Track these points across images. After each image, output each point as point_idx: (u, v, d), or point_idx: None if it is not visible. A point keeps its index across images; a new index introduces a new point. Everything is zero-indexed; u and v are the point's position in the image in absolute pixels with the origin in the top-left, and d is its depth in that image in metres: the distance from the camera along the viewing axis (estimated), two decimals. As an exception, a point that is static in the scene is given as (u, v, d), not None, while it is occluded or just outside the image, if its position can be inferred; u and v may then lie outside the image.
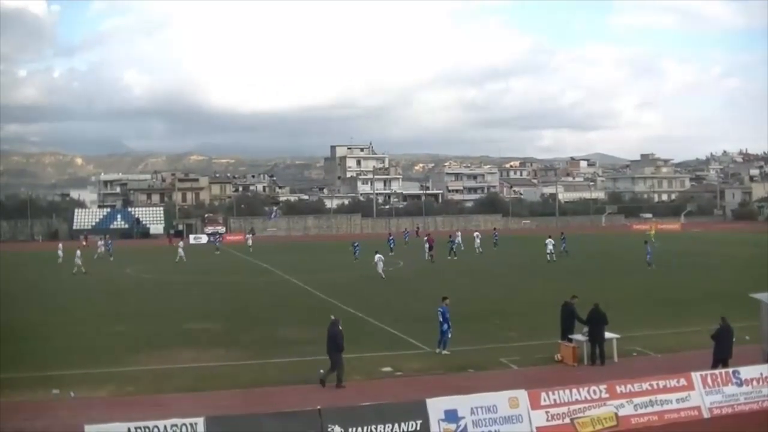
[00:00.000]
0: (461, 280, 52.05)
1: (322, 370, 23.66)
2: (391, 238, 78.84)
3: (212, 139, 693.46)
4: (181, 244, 77.26)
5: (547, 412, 18.65)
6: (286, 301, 43.87)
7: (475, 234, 78.61)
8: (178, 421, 16.41)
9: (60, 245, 72.89)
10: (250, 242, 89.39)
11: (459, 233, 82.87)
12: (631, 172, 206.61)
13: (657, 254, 58.08)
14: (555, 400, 18.85)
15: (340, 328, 24.01)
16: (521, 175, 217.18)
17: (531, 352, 27.32)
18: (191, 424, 16.37)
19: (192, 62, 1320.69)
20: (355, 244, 67.31)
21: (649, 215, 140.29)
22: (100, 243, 78.18)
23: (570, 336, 26.47)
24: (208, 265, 68.97)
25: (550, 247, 63.85)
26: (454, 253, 68.48)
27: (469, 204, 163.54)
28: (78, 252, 63.44)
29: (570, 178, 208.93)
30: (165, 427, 16.26)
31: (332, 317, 24.94)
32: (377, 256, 53.61)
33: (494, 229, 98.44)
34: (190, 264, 68.36)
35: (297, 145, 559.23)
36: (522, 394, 18.73)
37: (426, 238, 70.33)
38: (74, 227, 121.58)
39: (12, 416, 20.26)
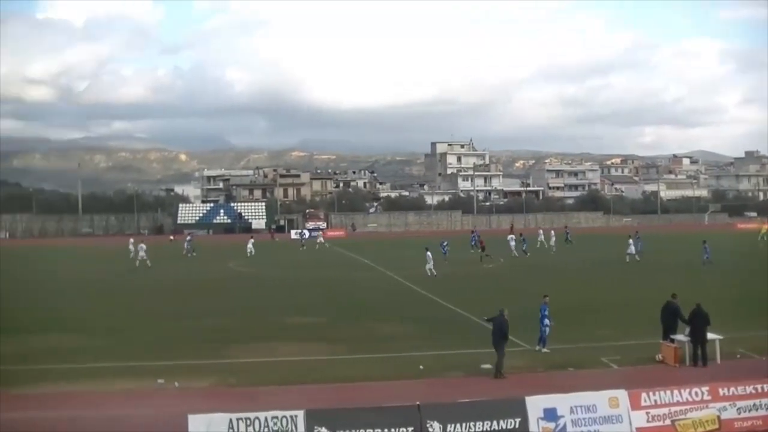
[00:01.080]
0: (553, 277, 52.09)
1: (422, 367, 24.01)
2: (473, 235, 79.34)
3: (313, 135, 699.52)
4: (251, 240, 77.91)
5: (647, 413, 18.38)
6: (386, 296, 44.21)
7: (551, 232, 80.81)
8: (279, 413, 16.68)
9: (131, 240, 74.54)
10: (321, 239, 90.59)
11: (542, 231, 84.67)
12: (735, 170, 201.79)
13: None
14: (656, 401, 18.55)
15: (506, 317, 24.44)
16: (622, 172, 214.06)
17: (631, 352, 26.89)
18: (291, 417, 16.63)
19: (292, 59, 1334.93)
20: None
21: (754, 214, 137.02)
22: (187, 238, 79.90)
23: (672, 336, 26.05)
24: (302, 260, 70.12)
25: (631, 248, 63.18)
26: (525, 251, 69.72)
27: (570, 201, 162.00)
28: (143, 245, 65.00)
29: (672, 176, 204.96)
30: (266, 418, 16.55)
31: (500, 309, 25.09)
32: (428, 254, 53.74)
33: (565, 226, 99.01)
34: (286, 259, 69.21)
35: (397, 141, 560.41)
36: (622, 394, 18.49)
37: (478, 237, 72.27)
38: (178, 222, 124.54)
39: (118, 403, 20.99)
